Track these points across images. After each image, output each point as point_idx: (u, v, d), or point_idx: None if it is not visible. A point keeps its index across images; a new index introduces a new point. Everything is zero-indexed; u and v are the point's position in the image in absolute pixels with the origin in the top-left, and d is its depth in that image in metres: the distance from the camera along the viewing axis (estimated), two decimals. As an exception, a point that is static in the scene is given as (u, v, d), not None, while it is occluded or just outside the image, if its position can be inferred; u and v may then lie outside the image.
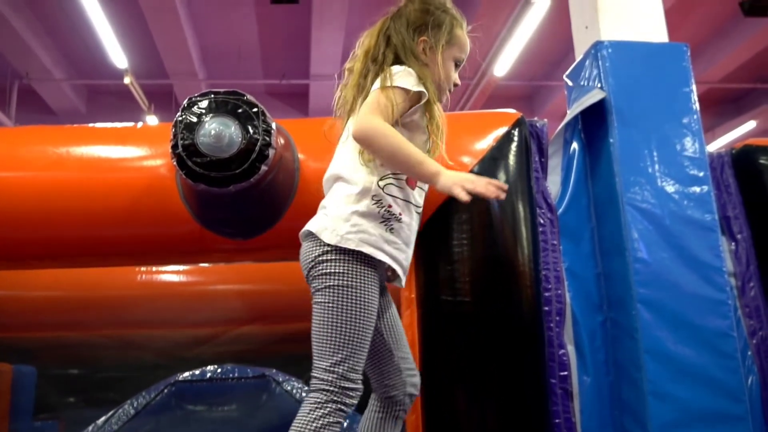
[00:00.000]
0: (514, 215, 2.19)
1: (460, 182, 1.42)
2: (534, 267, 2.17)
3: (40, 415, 4.16)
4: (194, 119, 1.81)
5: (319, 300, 1.49)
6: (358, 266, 1.48)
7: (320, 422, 1.40)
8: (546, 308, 2.23)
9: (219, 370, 2.94)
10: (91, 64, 9.42)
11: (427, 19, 1.63)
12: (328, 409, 1.41)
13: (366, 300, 1.47)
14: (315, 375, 1.46)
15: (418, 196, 1.61)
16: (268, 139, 1.85)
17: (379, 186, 1.52)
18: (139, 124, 2.35)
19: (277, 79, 9.67)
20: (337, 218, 1.51)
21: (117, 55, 8.08)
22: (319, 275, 1.49)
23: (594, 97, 2.51)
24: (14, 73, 9.27)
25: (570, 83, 2.80)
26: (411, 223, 1.57)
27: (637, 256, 2.31)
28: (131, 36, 8.27)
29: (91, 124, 2.41)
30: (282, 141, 2.03)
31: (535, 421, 2.06)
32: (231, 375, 2.94)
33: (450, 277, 2.10)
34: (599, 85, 2.56)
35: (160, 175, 2.16)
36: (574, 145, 2.61)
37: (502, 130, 2.30)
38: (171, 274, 4.31)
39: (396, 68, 1.57)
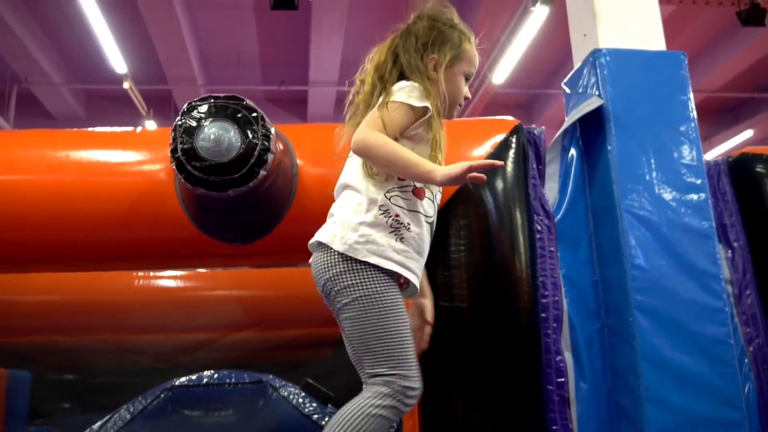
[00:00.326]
0: (512, 222, 2.20)
1: (452, 172, 1.45)
2: (531, 273, 2.18)
3: (35, 420, 4.14)
4: (194, 123, 1.82)
5: (350, 314, 1.51)
6: (373, 272, 1.50)
7: (376, 411, 1.42)
8: (543, 315, 2.24)
9: (216, 376, 2.94)
10: (90, 69, 9.43)
11: (436, 35, 1.67)
12: (387, 402, 1.44)
13: (392, 301, 1.50)
14: (375, 381, 1.48)
15: (428, 206, 1.62)
16: (267, 143, 1.86)
17: (386, 197, 1.55)
18: (138, 129, 2.36)
19: (276, 85, 9.69)
20: (345, 226, 1.53)
21: (116, 60, 8.10)
22: (340, 290, 1.51)
23: (592, 104, 2.52)
24: (13, 78, 9.28)
25: (568, 91, 2.82)
26: (422, 233, 1.59)
27: (635, 263, 2.31)
28: (131, 41, 8.29)
29: (90, 129, 2.41)
30: (281, 146, 2.04)
31: (533, 428, 2.06)
32: (228, 380, 2.93)
33: (447, 283, 2.10)
34: (597, 93, 2.57)
35: (159, 180, 2.16)
36: (572, 152, 2.62)
37: (499, 137, 2.31)
38: (168, 279, 4.30)
39: (400, 84, 1.61)
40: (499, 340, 2.07)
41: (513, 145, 2.29)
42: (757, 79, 9.72)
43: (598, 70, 2.58)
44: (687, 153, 2.48)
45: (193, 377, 2.91)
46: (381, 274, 1.50)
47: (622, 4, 2.81)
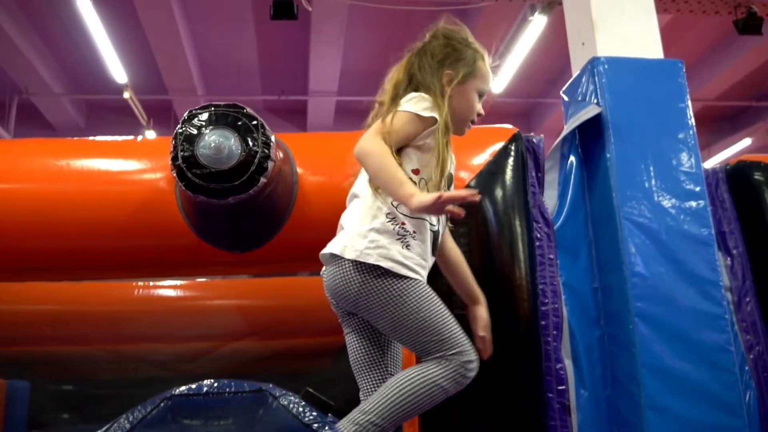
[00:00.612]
0: (511, 229, 2.20)
1: (428, 201, 1.45)
2: (531, 281, 2.18)
3: (34, 430, 4.12)
4: (194, 131, 1.83)
5: (385, 320, 1.54)
6: (388, 273, 1.52)
7: (441, 381, 1.48)
8: (543, 322, 2.24)
9: (216, 385, 2.92)
10: (90, 79, 9.45)
11: (450, 52, 1.71)
12: (451, 374, 1.49)
13: (418, 291, 1.53)
14: (437, 358, 1.52)
15: (435, 218, 1.64)
16: (267, 151, 1.87)
17: (392, 205, 1.57)
18: (139, 138, 2.37)
19: (275, 95, 9.71)
20: (355, 234, 1.56)
21: (117, 70, 8.12)
22: (370, 297, 1.53)
23: (590, 112, 2.53)
24: (14, 88, 9.30)
25: (566, 99, 2.83)
26: (426, 241, 1.61)
27: (635, 271, 2.31)
28: (131, 51, 8.31)
29: (91, 137, 2.42)
30: (281, 154, 2.04)
31: (533, 436, 2.06)
32: (228, 389, 2.91)
33: (447, 290, 2.10)
34: (595, 101, 2.58)
35: (160, 188, 2.17)
36: (571, 160, 2.63)
37: (498, 145, 2.32)
38: (168, 288, 4.30)
39: (410, 95, 1.64)
40: (499, 347, 2.07)
41: (512, 153, 2.30)
42: (754, 87, 9.74)
43: (596, 79, 2.60)
44: (685, 160, 2.49)
45: (193, 386, 2.89)
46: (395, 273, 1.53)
47: (619, 13, 2.83)
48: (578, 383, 2.33)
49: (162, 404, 2.80)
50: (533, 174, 2.41)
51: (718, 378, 2.23)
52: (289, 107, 10.27)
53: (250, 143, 1.85)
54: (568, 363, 2.30)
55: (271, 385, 2.96)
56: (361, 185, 1.66)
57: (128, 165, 2.24)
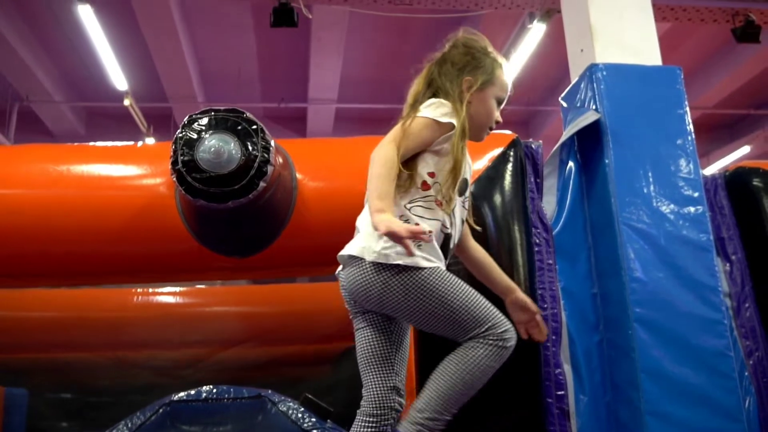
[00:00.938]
0: (510, 235, 2.20)
1: (386, 224, 1.47)
2: (530, 286, 2.18)
3: (33, 438, 4.10)
4: (194, 136, 1.83)
5: (417, 308, 1.55)
6: (408, 268, 1.54)
7: (487, 362, 1.52)
8: (542, 327, 2.23)
9: (214, 390, 2.91)
10: (91, 87, 9.47)
11: (470, 60, 1.75)
12: (492, 351, 1.53)
13: (440, 279, 1.54)
14: (475, 339, 1.55)
15: (447, 221, 1.67)
16: (266, 156, 1.87)
17: (406, 207, 1.61)
18: (139, 144, 2.38)
19: (275, 102, 9.73)
20: (370, 236, 1.58)
21: (117, 77, 8.14)
22: (394, 295, 1.54)
23: (589, 118, 2.54)
24: (14, 96, 9.32)
25: (565, 105, 2.84)
26: (439, 240, 1.63)
27: (634, 276, 2.32)
28: (131, 59, 8.34)
29: (91, 143, 2.43)
30: (280, 159, 2.05)
31: (532, 441, 2.05)
32: (226, 395, 2.91)
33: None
34: (594, 107, 2.59)
35: (160, 194, 2.18)
36: (570, 166, 2.64)
37: (497, 151, 2.32)
38: (167, 294, 4.31)
39: (429, 101, 1.68)
40: (498, 352, 2.07)
41: (511, 159, 2.30)
42: (753, 95, 9.77)
43: (594, 85, 2.61)
44: (684, 166, 2.50)
45: (192, 392, 2.88)
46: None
47: (618, 20, 2.85)
48: (577, 388, 2.33)
49: (161, 410, 2.79)
50: (532, 179, 2.42)
51: (717, 383, 2.23)
52: (289, 114, 10.29)
53: (250, 147, 1.85)
54: (567, 368, 2.30)
55: (270, 391, 2.95)
56: None
57: (128, 170, 2.24)
